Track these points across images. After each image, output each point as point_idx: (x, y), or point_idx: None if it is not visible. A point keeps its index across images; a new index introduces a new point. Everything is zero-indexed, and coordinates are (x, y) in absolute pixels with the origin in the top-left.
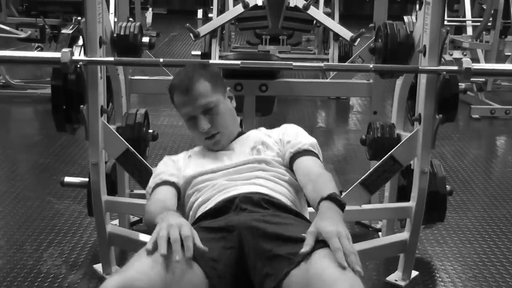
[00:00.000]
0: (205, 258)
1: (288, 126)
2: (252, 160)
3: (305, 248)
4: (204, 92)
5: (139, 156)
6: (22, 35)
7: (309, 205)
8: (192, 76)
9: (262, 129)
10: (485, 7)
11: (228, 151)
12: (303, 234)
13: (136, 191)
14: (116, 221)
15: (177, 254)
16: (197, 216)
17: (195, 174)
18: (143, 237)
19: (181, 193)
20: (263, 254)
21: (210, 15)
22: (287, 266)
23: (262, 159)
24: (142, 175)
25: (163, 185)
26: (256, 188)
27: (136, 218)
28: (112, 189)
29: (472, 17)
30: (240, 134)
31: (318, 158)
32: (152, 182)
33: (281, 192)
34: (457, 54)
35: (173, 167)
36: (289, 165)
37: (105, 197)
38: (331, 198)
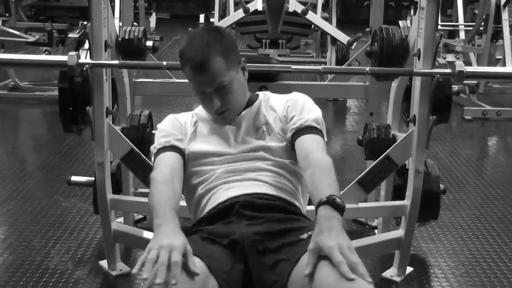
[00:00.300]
0: (220, 271)
1: (296, 97)
2: (256, 148)
3: (307, 270)
4: (219, 71)
5: (143, 156)
6: (31, 39)
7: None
8: (208, 53)
9: (268, 93)
10: (477, 12)
11: (234, 127)
12: (301, 236)
13: (140, 190)
14: (121, 219)
15: (159, 278)
16: (198, 217)
17: (199, 153)
18: (147, 234)
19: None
20: (266, 265)
21: (211, 19)
22: (288, 267)
23: (267, 147)
24: (146, 175)
25: (170, 150)
26: (257, 187)
27: (140, 216)
28: (117, 188)
29: (464, 21)
30: (249, 103)
31: (321, 135)
32: (158, 142)
33: (283, 188)
34: (450, 57)
35: (180, 131)
36: (291, 142)
37: (110, 195)
38: (329, 202)
